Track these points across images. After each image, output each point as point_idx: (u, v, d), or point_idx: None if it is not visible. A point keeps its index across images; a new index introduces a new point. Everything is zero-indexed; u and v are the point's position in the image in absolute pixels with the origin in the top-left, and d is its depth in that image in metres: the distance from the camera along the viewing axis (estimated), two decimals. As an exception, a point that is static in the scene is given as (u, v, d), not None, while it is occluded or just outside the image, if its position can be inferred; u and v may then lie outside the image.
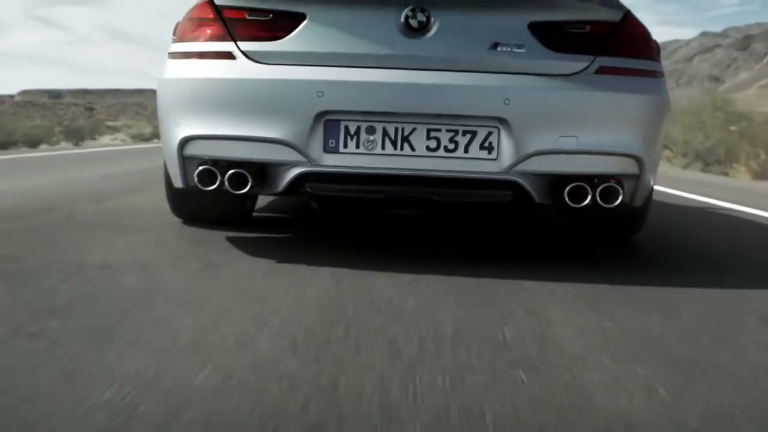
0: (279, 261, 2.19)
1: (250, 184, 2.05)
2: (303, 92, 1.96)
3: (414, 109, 1.94)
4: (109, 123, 33.67)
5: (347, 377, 1.20)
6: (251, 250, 2.31)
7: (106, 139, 12.42)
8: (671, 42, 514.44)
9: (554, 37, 2.03)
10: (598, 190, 2.04)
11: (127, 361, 1.29)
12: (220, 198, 2.42)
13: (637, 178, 2.09)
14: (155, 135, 14.23)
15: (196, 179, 2.07)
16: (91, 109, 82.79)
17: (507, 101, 1.95)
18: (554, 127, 1.99)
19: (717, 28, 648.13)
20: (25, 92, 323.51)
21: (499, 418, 1.04)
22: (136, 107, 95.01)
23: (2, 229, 2.80)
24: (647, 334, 1.56)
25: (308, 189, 2.07)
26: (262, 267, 2.11)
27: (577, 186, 2.03)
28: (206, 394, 1.12)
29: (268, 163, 2.07)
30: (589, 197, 2.04)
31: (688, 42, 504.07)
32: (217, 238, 2.50)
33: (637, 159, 2.07)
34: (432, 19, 1.98)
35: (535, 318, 1.63)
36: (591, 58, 2.06)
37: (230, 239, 2.49)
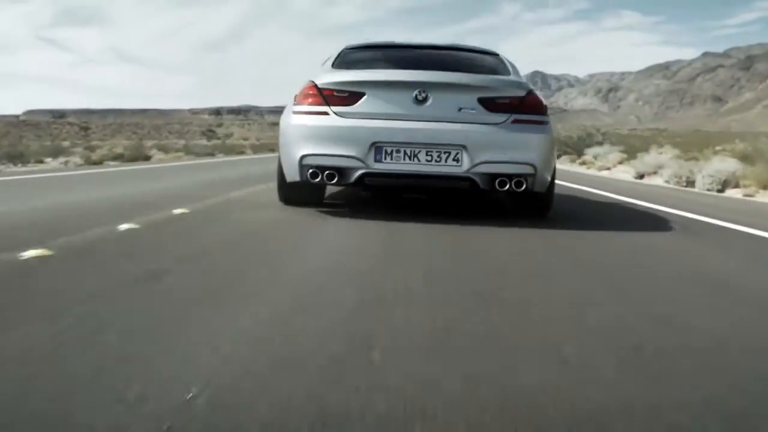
0: (350, 217, 3.94)
1: (336, 179, 3.68)
2: (364, 132, 3.60)
3: (419, 141, 3.60)
4: (96, 142, 33.24)
5: (395, 247, 2.91)
6: (330, 214, 4.01)
7: (55, 163, 11.28)
8: (674, 62, 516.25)
9: (490, 105, 3.70)
10: (513, 181, 3.66)
11: (294, 245, 3.02)
12: (309, 190, 4.10)
13: (533, 176, 3.68)
14: (118, 156, 13.35)
15: (308, 176, 3.70)
16: (86, 129, 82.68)
17: (466, 137, 3.60)
18: (489, 150, 3.62)
19: (719, 49, 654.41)
20: (29, 112, 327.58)
21: (451, 259, 2.69)
22: (133, 127, 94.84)
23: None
24: (531, 248, 3.07)
25: (366, 182, 3.68)
26: (340, 222, 3.73)
27: (501, 179, 3.65)
28: (340, 254, 2.72)
29: (346, 168, 3.64)
30: (508, 185, 3.66)
31: (690, 62, 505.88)
32: (309, 210, 4.11)
33: (533, 166, 3.66)
34: (429, 96, 3.67)
35: (476, 240, 3.23)
36: (508, 115, 3.70)
37: (316, 210, 4.12)
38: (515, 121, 3.71)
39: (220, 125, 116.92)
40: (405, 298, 1.89)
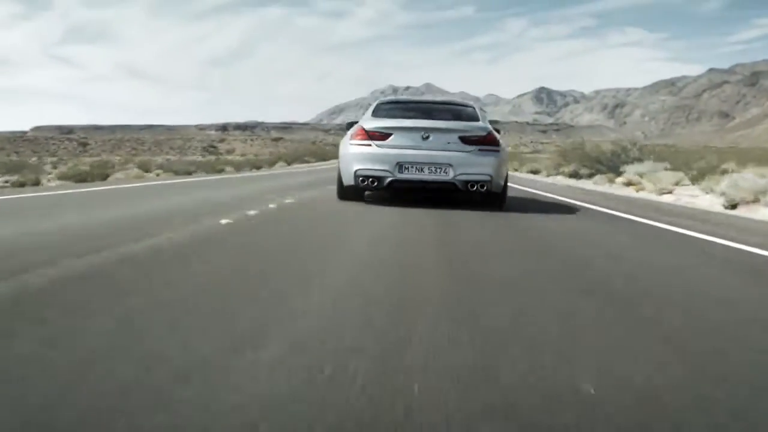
0: (382, 205, 6.62)
1: (375, 184, 6.45)
2: (392, 156, 6.33)
3: (424, 161, 6.28)
4: (87, 159, 33.56)
5: (405, 218, 5.66)
6: (370, 203, 6.78)
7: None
8: (680, 78, 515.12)
9: (466, 140, 6.36)
10: (478, 185, 6.33)
11: (349, 220, 5.87)
12: (356, 191, 6.71)
13: (490, 182, 6.33)
14: (78, 174, 12.09)
15: (359, 182, 6.47)
16: (84, 144, 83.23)
17: (451, 159, 6.31)
18: (465, 167, 6.30)
19: (724, 65, 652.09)
20: (37, 128, 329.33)
21: (442, 227, 5.38)
22: (133, 142, 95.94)
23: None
24: (483, 220, 5.80)
25: (394, 185, 6.50)
26: (377, 207, 6.43)
27: (471, 183, 6.33)
28: (379, 227, 5.33)
29: (382, 177, 6.35)
30: (475, 187, 6.34)
31: (696, 78, 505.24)
32: (357, 202, 6.76)
33: (490, 176, 6.31)
34: (430, 136, 6.37)
35: (452, 217, 5.91)
36: (476, 146, 6.37)
37: (363, 203, 6.80)
38: (480, 150, 6.41)
39: (222, 140, 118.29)
40: (414, 232, 4.88)
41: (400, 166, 6.29)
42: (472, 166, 6.28)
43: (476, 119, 6.93)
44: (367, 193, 7.32)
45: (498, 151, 6.45)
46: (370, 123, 6.61)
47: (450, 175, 6.27)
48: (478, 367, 1.61)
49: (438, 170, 6.28)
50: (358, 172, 6.41)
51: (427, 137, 6.37)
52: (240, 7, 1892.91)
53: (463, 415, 1.30)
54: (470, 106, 7.46)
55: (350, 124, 7.15)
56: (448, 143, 6.36)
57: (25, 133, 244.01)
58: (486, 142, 6.41)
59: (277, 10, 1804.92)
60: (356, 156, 6.47)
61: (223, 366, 1.55)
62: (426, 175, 6.29)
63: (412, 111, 7.23)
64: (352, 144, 6.55)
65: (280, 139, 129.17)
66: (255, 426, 1.22)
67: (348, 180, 6.58)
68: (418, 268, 3.18)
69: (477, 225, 5.44)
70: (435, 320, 2.06)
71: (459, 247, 4.13)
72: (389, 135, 6.42)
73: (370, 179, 6.40)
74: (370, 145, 6.42)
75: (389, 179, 6.34)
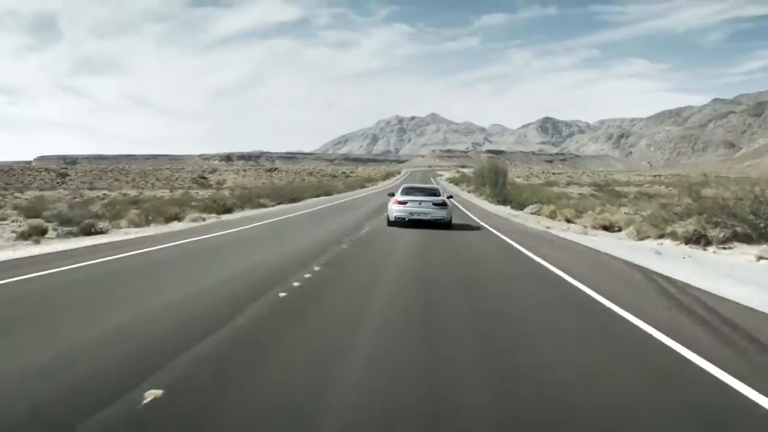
0: (404, 228, 14.72)
1: (402, 221, 15.49)
2: (408, 211, 15.48)
3: (420, 213, 15.41)
4: (49, 193, 33.14)
5: (417, 232, 13.73)
6: (399, 227, 14.98)
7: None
8: (684, 108, 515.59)
9: (434, 204, 15.70)
10: (440, 221, 15.49)
11: (388, 238, 14.23)
12: (394, 223, 15.61)
13: (445, 219, 15.59)
14: None
15: (396, 219, 15.60)
16: (64, 175, 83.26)
17: (429, 212, 15.44)
18: (434, 214, 15.52)
19: (728, 95, 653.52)
20: (41, 158, 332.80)
21: (439, 242, 13.04)
22: (116, 173, 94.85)
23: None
24: (444, 232, 14.34)
25: (408, 221, 15.59)
26: (403, 228, 14.71)
27: (438, 220, 15.49)
28: (408, 233, 13.61)
29: (404, 218, 15.45)
30: (440, 221, 15.50)
31: (700, 108, 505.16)
32: (396, 227, 15.09)
33: (444, 217, 15.57)
34: (422, 203, 15.67)
35: (438, 233, 14.18)
36: (440, 206, 15.64)
37: (397, 227, 15.16)
38: (440, 207, 15.38)
39: (213, 171, 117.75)
40: (421, 235, 12.93)
41: (411, 214, 15.16)
42: (437, 214, 15.20)
43: (439, 195, 16.43)
44: (398, 224, 15.37)
45: (447, 206, 15.62)
46: (400, 197, 15.69)
47: (429, 217, 15.13)
48: (432, 255, 9.99)
49: (425, 216, 15.11)
50: (395, 216, 15.36)
51: (421, 203, 15.43)
52: (248, 39, 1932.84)
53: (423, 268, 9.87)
54: (437, 190, 17.56)
55: (391, 194, 16.72)
56: (429, 205, 15.38)
57: (29, 162, 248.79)
58: (442, 204, 15.52)
59: (286, 42, 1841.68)
60: (394, 210, 15.45)
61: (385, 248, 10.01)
62: (421, 218, 15.07)
63: (416, 191, 16.63)
64: (392, 204, 15.67)
65: (275, 169, 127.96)
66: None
67: (391, 218, 15.51)
68: (424, 238, 12.27)
69: (441, 233, 13.84)
70: (431, 247, 11.08)
71: (435, 235, 13.18)
72: (407, 202, 15.43)
73: (400, 219, 15.25)
74: (400, 205, 15.40)
75: (407, 219, 15.14)
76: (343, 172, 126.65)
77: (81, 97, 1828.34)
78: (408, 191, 16.49)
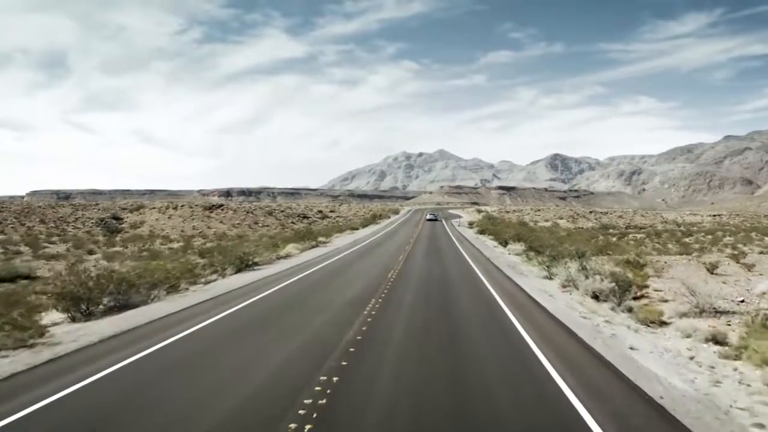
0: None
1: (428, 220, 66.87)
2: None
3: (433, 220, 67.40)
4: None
5: (426, 232, 39.87)
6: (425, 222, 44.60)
7: None
8: (696, 145, 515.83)
9: (436, 218, 68.13)
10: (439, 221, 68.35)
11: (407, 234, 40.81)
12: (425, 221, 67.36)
13: (440, 220, 69.37)
14: None
15: (426, 220, 66.21)
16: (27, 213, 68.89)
17: (435, 222, 64.91)
18: (437, 221, 67.21)
19: (740, 132, 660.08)
20: (33, 193, 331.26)
21: (434, 246, 35.84)
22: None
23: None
24: (441, 250, 37.42)
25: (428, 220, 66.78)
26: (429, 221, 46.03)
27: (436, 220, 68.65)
28: (418, 233, 39.08)
29: (430, 220, 65.46)
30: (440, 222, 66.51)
31: (713, 145, 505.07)
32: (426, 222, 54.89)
33: (438, 219, 71.39)
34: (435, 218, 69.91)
35: (437, 224, 46.79)
36: (436, 219, 68.10)
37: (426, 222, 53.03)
38: (436, 220, 64.37)
39: (138, 208, 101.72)
40: (425, 233, 39.82)
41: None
42: (436, 221, 60.33)
43: (437, 213, 71.16)
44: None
45: (438, 220, 63.08)
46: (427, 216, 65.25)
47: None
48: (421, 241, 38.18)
49: (434, 222, 58.39)
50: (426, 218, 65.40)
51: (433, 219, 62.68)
52: (256, 75, 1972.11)
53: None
54: (437, 215, 69.26)
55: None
56: (435, 219, 62.70)
57: (22, 197, 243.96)
58: (438, 219, 64.85)
59: (293, 78, 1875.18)
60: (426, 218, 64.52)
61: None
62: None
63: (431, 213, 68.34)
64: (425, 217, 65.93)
65: (220, 206, 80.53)
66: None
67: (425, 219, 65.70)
68: (429, 229, 42.87)
69: (439, 225, 46.56)
70: (426, 231, 39.54)
71: (436, 226, 47.34)
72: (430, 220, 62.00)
73: (428, 220, 62.72)
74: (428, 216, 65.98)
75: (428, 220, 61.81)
76: (320, 211, 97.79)
77: (88, 132, 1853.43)
78: (431, 211, 57.22)
